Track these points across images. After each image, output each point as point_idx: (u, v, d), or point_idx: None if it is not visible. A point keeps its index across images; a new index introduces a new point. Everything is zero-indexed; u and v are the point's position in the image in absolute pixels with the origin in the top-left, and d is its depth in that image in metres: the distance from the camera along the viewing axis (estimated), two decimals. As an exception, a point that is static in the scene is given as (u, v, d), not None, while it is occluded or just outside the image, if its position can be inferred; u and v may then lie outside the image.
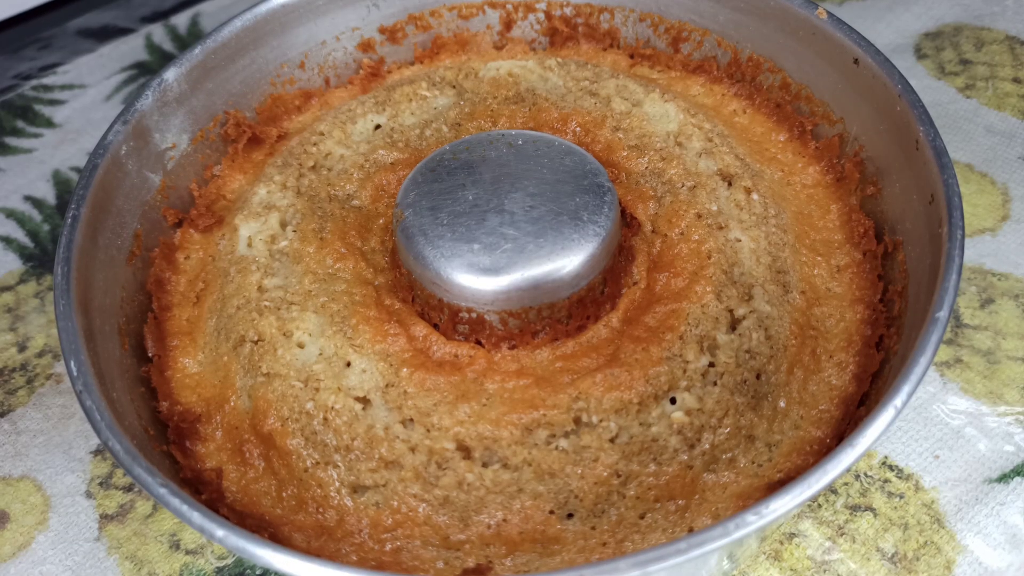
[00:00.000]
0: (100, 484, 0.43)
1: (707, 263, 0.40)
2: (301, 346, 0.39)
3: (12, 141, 0.53)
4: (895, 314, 0.38)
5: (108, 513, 0.42)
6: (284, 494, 0.36)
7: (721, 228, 0.41)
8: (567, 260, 0.38)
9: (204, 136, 0.47)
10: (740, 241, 0.41)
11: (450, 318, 0.39)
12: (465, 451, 0.36)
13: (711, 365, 0.37)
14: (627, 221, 0.43)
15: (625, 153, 0.45)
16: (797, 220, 0.43)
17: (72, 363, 0.32)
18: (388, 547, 0.35)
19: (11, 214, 0.51)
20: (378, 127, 0.48)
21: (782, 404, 0.38)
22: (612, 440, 0.36)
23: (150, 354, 0.40)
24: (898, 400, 0.29)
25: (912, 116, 0.38)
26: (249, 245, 0.43)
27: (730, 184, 0.43)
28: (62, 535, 0.41)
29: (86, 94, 0.54)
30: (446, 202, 0.40)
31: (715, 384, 0.37)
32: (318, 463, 0.36)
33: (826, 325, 0.40)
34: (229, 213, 0.46)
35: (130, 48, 0.55)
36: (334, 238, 0.42)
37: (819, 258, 0.42)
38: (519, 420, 0.36)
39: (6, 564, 0.40)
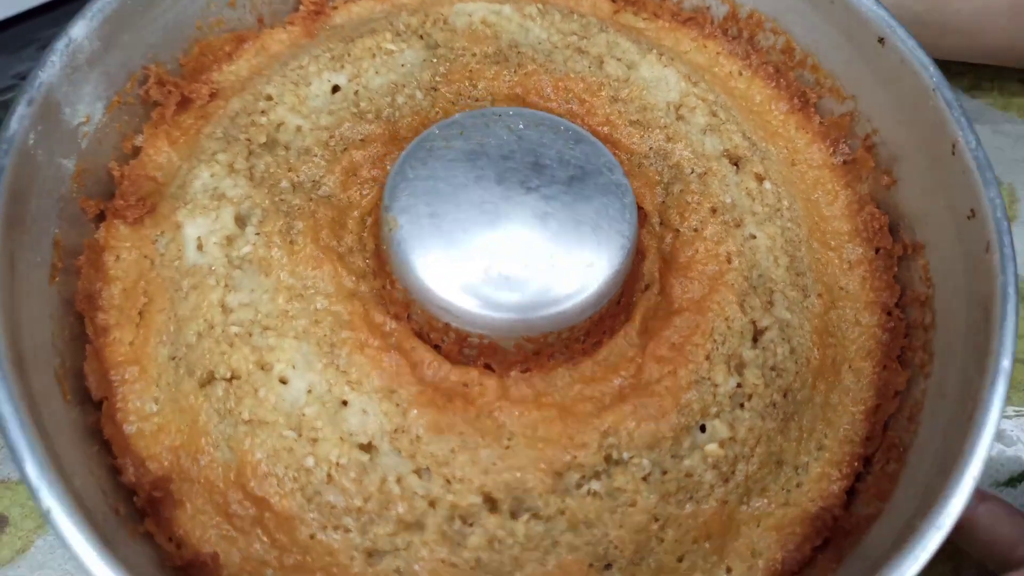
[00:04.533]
0: None
1: (727, 268, 0.37)
2: (284, 381, 0.34)
3: None
4: (916, 325, 0.37)
5: None
6: (288, 561, 0.32)
7: (738, 225, 0.38)
8: (592, 278, 0.34)
9: (121, 101, 0.38)
10: (755, 238, 0.38)
11: (456, 341, 0.35)
12: (491, 503, 0.33)
13: (739, 386, 0.36)
14: (633, 212, 0.39)
15: (627, 130, 0.40)
16: (807, 209, 0.41)
17: (28, 465, 0.26)
18: (417, 614, 0.32)
19: None
20: (336, 89, 0.40)
21: (807, 422, 0.37)
22: (645, 479, 0.34)
23: (95, 398, 0.33)
24: (974, 468, 0.28)
25: (949, 117, 0.36)
26: (200, 249, 0.36)
27: (738, 168, 0.40)
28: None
29: None
30: (447, 207, 0.34)
31: (743, 407, 0.35)
32: (325, 527, 0.32)
33: (842, 330, 0.38)
34: (162, 200, 0.38)
35: None
36: (306, 241, 0.36)
37: (831, 253, 0.40)
38: (549, 466, 0.33)
39: (5, 568, 0.41)
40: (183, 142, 0.40)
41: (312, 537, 0.32)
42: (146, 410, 0.35)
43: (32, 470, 0.27)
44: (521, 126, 0.37)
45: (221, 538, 0.33)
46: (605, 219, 0.35)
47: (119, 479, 0.32)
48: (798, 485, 0.36)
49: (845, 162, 0.42)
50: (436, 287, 0.33)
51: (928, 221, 0.38)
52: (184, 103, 0.40)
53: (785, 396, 0.36)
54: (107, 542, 0.27)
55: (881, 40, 0.39)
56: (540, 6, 0.43)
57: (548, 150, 0.36)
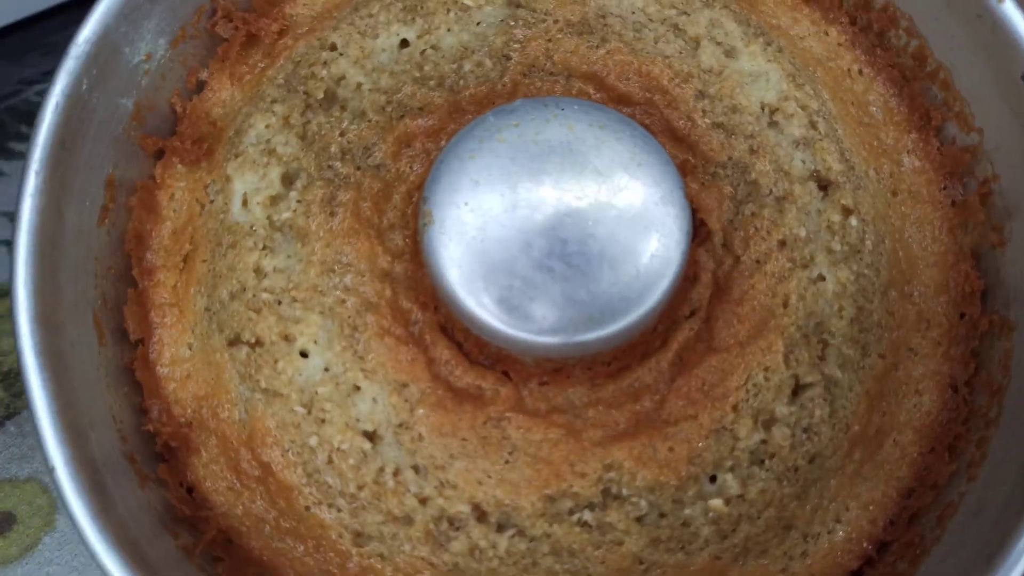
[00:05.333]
0: None
1: (782, 312, 0.34)
2: (304, 355, 0.34)
3: (16, 146, 0.51)
4: (979, 414, 0.33)
5: None
6: (284, 525, 0.34)
7: (806, 265, 0.35)
8: (625, 317, 0.32)
9: (186, 35, 0.37)
10: (823, 280, 0.35)
11: (478, 343, 0.34)
12: (480, 513, 0.33)
13: (763, 442, 0.34)
14: (694, 226, 0.36)
15: (709, 133, 0.36)
16: (895, 250, 0.36)
17: (52, 453, 0.28)
18: (392, 602, 0.33)
19: (14, 219, 0.45)
20: (405, 44, 0.38)
21: (831, 491, 0.34)
22: (639, 519, 0.33)
23: (133, 338, 0.35)
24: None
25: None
26: (245, 206, 0.36)
27: (825, 194, 0.36)
28: (68, 536, 0.42)
29: None
30: (485, 206, 0.33)
31: (762, 465, 0.33)
32: (320, 503, 0.33)
33: (898, 397, 0.35)
34: (219, 144, 0.38)
35: None
36: (347, 214, 0.35)
37: (909, 305, 0.36)
38: (544, 489, 0.33)
39: (13, 565, 0.41)
40: (248, 81, 0.39)
41: (307, 509, 0.34)
42: (180, 355, 0.36)
43: (47, 429, 0.29)
44: (583, 125, 0.34)
45: (229, 489, 0.35)
46: (653, 252, 0.32)
47: (141, 427, 0.34)
48: (803, 554, 0.34)
49: (954, 203, 0.36)
50: (459, 293, 0.32)
51: (1028, 300, 0.33)
52: (251, 40, 0.39)
53: (811, 461, 0.34)
54: (107, 501, 0.29)
55: (1026, 77, 0.33)
56: (644, -33, 0.39)
57: (605, 158, 0.33)
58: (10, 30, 0.47)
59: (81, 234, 0.34)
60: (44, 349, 0.30)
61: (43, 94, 0.32)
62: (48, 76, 0.31)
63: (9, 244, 0.46)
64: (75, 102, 0.33)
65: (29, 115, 0.51)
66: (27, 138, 0.47)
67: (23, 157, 0.47)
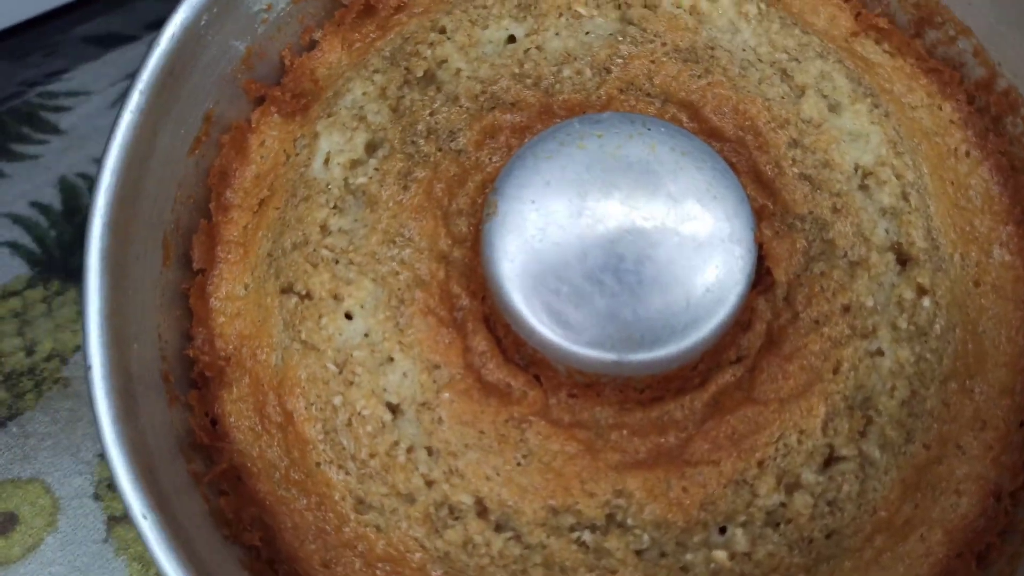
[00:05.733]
0: (108, 486, 0.43)
1: (831, 378, 0.33)
2: (349, 316, 0.35)
3: (18, 147, 0.51)
4: (1018, 528, 0.31)
5: (116, 515, 0.43)
6: (293, 476, 0.35)
7: (866, 336, 0.33)
8: (665, 346, 0.31)
9: (308, -8, 0.39)
10: (881, 355, 0.33)
11: (515, 341, 0.34)
12: (482, 508, 0.33)
13: (782, 505, 0.32)
14: (759, 273, 0.35)
15: (794, 183, 0.36)
16: (965, 342, 0.35)
17: (92, 351, 0.29)
18: (379, 574, 0.34)
19: (18, 220, 0.49)
20: (512, 39, 0.38)
21: (844, 571, 0.33)
22: (639, 553, 0.32)
23: (195, 266, 0.37)
24: None
25: None
26: (326, 164, 0.37)
27: (903, 269, 0.35)
28: (71, 536, 0.42)
29: (91, 101, 0.52)
30: (551, 208, 0.33)
31: (776, 528, 0.32)
32: (331, 462, 0.34)
33: (936, 492, 0.33)
34: (315, 103, 0.39)
35: (135, 55, 0.53)
36: (419, 190, 0.36)
37: (967, 402, 0.34)
38: (549, 500, 0.32)
39: (16, 565, 0.41)
40: (357, 48, 0.40)
41: (318, 465, 0.34)
42: (235, 293, 0.37)
43: (93, 328, 0.30)
44: (665, 148, 0.33)
45: (250, 429, 0.36)
46: (711, 287, 0.32)
47: (183, 351, 0.35)
48: (799, 628, 0.32)
49: (1040, 307, 0.35)
50: (507, 287, 0.32)
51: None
52: (368, 10, 0.40)
53: (829, 536, 0.32)
54: (132, 411, 0.30)
55: None
56: (763, 6, 0.38)
57: (681, 183, 0.33)
58: (12, 31, 0.48)
59: (169, 158, 0.35)
60: (109, 254, 0.31)
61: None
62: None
63: (12, 246, 0.49)
64: (191, 35, 0.34)
65: (31, 116, 0.52)
66: (30, 140, 0.51)
67: (24, 158, 0.50)
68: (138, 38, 0.53)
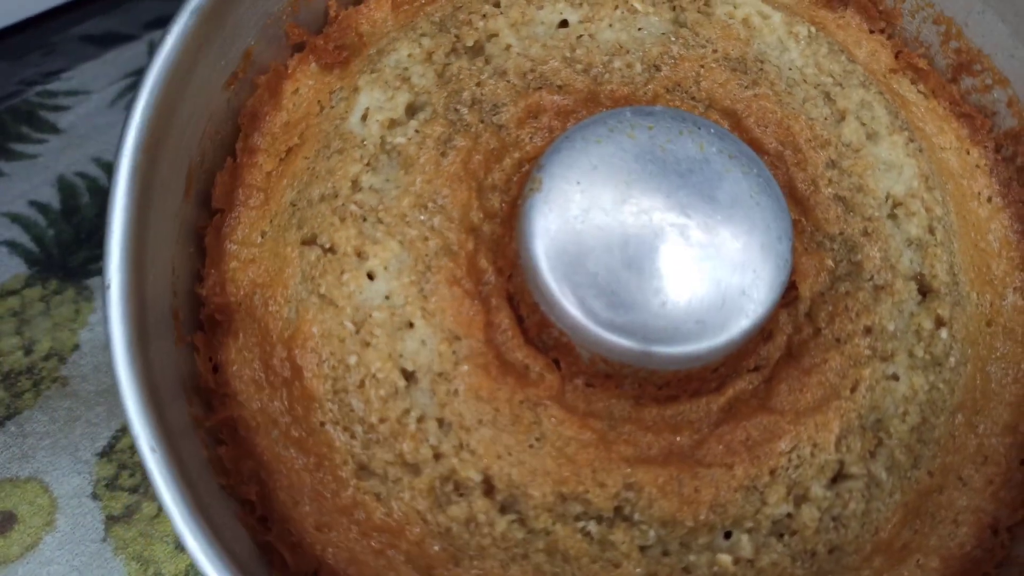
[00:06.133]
0: (106, 486, 0.43)
1: (848, 396, 0.33)
2: (371, 276, 0.34)
3: (17, 146, 0.51)
4: (1016, 561, 0.32)
5: (114, 514, 0.42)
6: (294, 434, 0.33)
7: (885, 359, 0.34)
8: (694, 342, 0.31)
9: (363, -55, 0.38)
10: (897, 380, 0.34)
11: (539, 323, 0.34)
12: (489, 487, 0.32)
13: (788, 516, 0.32)
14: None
15: (828, 203, 0.36)
16: (974, 379, 0.35)
17: (112, 270, 0.28)
18: (374, 544, 0.32)
19: (16, 219, 0.49)
20: (564, 24, 0.38)
21: (839, 589, 0.33)
22: (643, 548, 0.32)
23: (214, 206, 0.35)
24: None
25: None
26: (363, 120, 0.36)
27: (923, 299, 0.35)
28: (69, 536, 0.42)
29: (90, 100, 0.52)
30: (596, 191, 0.32)
31: (780, 539, 0.32)
32: (336, 423, 0.33)
33: (935, 520, 0.34)
34: (357, 58, 0.38)
35: (133, 55, 0.53)
36: (457, 159, 0.35)
37: (972, 436, 0.35)
38: (559, 485, 0.32)
39: (14, 564, 0.41)
40: (405, 11, 0.39)
41: (322, 425, 0.33)
42: (251, 239, 0.36)
43: (116, 246, 0.29)
44: (714, 149, 0.33)
45: (253, 381, 0.34)
46: (745, 291, 0.32)
47: (195, 289, 0.34)
48: (792, 641, 0.32)
49: (1050, 353, 0.36)
50: (542, 265, 0.32)
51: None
52: (422, -27, 0.39)
53: (831, 552, 0.32)
54: (144, 340, 0.29)
55: None
56: (812, 30, 0.39)
57: (726, 186, 0.33)
58: (11, 31, 0.47)
59: (204, 89, 0.34)
60: (138, 173, 0.30)
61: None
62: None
63: (10, 245, 0.48)
64: (247, -36, 0.33)
65: (29, 115, 0.51)
66: (29, 139, 0.51)
67: (23, 157, 0.49)
68: (137, 37, 0.53)
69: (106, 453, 0.44)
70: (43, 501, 0.42)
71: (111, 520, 0.42)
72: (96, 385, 0.45)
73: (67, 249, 0.49)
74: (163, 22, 0.30)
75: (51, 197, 0.50)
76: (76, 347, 0.46)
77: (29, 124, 0.52)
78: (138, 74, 0.52)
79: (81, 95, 0.52)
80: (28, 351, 0.46)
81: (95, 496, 0.43)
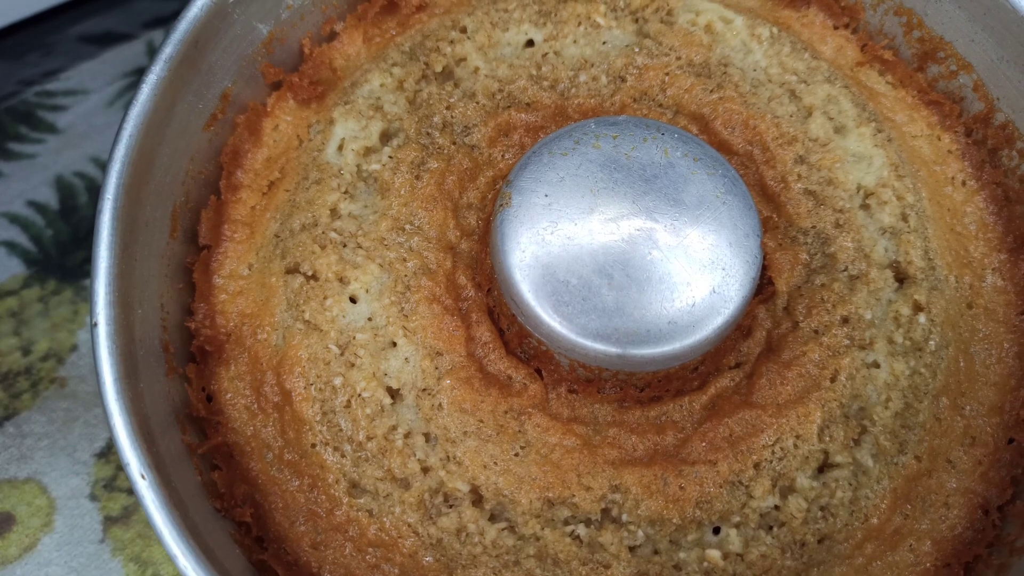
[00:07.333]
0: (104, 487, 0.43)
1: (828, 386, 0.34)
2: (353, 300, 0.35)
3: (15, 146, 0.52)
4: (1006, 541, 0.32)
5: (112, 515, 0.43)
6: (286, 456, 0.34)
7: (863, 347, 0.34)
8: (669, 343, 0.32)
9: (333, -15, 0.39)
10: (877, 368, 0.34)
11: (519, 334, 0.34)
12: (477, 497, 0.33)
13: (776, 508, 0.33)
14: (760, 282, 0.36)
15: (799, 198, 0.37)
16: (957, 362, 0.35)
17: (99, 305, 0.29)
18: (368, 559, 0.33)
19: (15, 219, 0.50)
20: (530, 43, 0.39)
21: (833, 578, 0.33)
22: (632, 549, 0.32)
23: (201, 242, 0.36)
24: None
25: None
26: (340, 150, 0.37)
27: (900, 286, 0.36)
28: (67, 537, 0.42)
29: (88, 100, 0.53)
30: (563, 206, 0.33)
31: (769, 531, 0.32)
32: (327, 443, 0.34)
33: (926, 504, 0.34)
34: (332, 91, 0.39)
35: (132, 54, 0.53)
36: (431, 181, 0.36)
37: (959, 419, 0.35)
38: (546, 491, 0.32)
39: (12, 565, 0.41)
40: (376, 43, 0.41)
41: (313, 446, 0.34)
42: (238, 272, 0.37)
43: (101, 285, 0.30)
44: (678, 153, 0.34)
45: (246, 408, 0.35)
46: (717, 290, 0.32)
47: (184, 323, 0.35)
48: (788, 634, 0.33)
49: (1030, 330, 0.35)
50: (516, 276, 0.33)
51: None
52: (391, 7, 0.41)
53: (821, 542, 0.33)
54: (133, 373, 0.30)
55: None
56: (775, 31, 0.40)
57: (692, 188, 0.34)
58: (9, 31, 0.48)
59: (185, 131, 0.35)
60: (122, 215, 0.31)
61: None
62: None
63: (8, 246, 0.49)
64: (219, 10, 0.35)
65: (28, 115, 0.52)
66: (27, 139, 0.51)
67: (21, 157, 0.50)
68: (135, 37, 0.54)
69: (104, 454, 0.44)
70: (41, 502, 0.42)
71: (109, 521, 0.42)
72: (94, 386, 0.44)
73: (65, 249, 0.49)
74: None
75: (49, 197, 0.50)
76: (74, 348, 0.46)
77: (28, 124, 0.52)
78: (137, 73, 0.53)
79: (79, 95, 0.52)
80: (26, 352, 0.46)
81: (93, 497, 0.43)
